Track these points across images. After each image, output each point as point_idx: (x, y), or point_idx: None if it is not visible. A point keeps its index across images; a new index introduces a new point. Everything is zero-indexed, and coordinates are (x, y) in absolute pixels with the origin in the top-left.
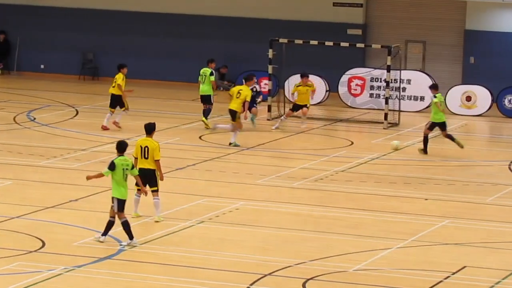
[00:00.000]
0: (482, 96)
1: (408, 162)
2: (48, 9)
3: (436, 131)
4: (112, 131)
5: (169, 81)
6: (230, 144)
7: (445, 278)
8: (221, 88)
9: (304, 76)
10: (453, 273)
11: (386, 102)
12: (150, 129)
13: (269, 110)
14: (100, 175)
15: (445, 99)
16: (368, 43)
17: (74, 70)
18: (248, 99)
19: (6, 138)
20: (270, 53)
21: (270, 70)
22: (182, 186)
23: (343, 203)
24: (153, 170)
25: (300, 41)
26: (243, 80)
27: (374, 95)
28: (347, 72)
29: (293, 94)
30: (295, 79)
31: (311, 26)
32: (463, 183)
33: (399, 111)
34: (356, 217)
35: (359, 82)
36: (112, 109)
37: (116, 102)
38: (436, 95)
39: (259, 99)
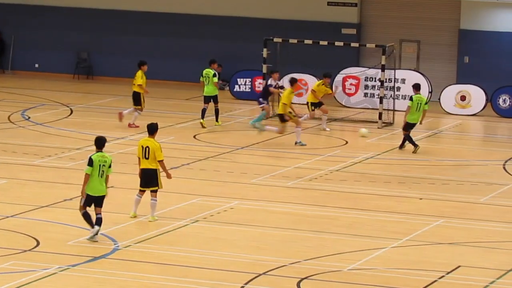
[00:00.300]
0: (476, 95)
1: (403, 161)
2: (42, 8)
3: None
4: (103, 130)
5: (163, 80)
6: (296, 143)
7: (440, 278)
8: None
9: (327, 76)
10: (448, 273)
11: (381, 102)
12: (152, 129)
13: (263, 109)
14: (86, 178)
15: (439, 99)
16: (362, 43)
17: (69, 69)
18: (285, 101)
19: (1, 137)
20: (265, 52)
21: (264, 70)
22: (176, 185)
23: (338, 203)
24: (155, 170)
25: (295, 41)
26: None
27: (369, 95)
28: (341, 72)
29: (315, 91)
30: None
31: (306, 25)
32: (458, 182)
33: (394, 110)
34: (350, 217)
35: (354, 81)
36: (135, 106)
37: (135, 99)
38: (413, 97)
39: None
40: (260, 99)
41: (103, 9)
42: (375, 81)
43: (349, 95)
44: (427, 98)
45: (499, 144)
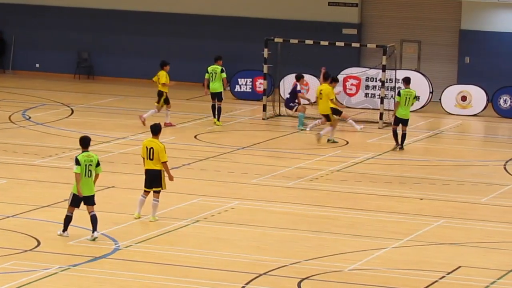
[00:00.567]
0: (477, 96)
1: (404, 162)
2: (43, 8)
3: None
4: (104, 130)
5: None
6: (328, 141)
7: (440, 278)
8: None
9: (336, 80)
10: (448, 273)
11: (382, 102)
12: (156, 130)
13: (264, 109)
14: (77, 177)
15: (440, 99)
16: (363, 43)
17: (69, 69)
18: (332, 96)
19: (1, 137)
20: (266, 52)
21: (265, 70)
22: (177, 186)
23: (338, 203)
24: (159, 171)
25: (296, 41)
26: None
27: (369, 95)
28: (342, 72)
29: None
30: (291, 78)
31: (307, 25)
32: (458, 183)
33: (394, 110)
34: (351, 217)
35: (354, 81)
36: (166, 105)
37: (159, 97)
38: (401, 91)
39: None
40: (291, 104)
41: (104, 9)
42: (376, 81)
43: (350, 95)
44: (427, 98)
45: (499, 144)
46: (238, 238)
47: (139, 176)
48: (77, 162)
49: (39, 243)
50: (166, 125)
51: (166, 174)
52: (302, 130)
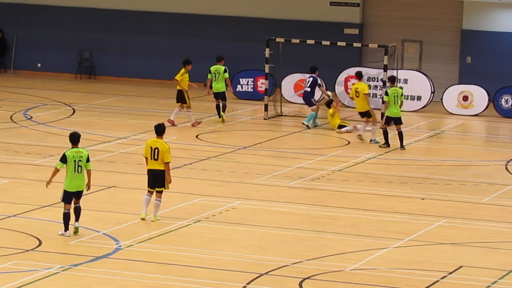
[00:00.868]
0: (478, 96)
1: (405, 161)
2: (45, 7)
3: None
4: (105, 130)
5: (165, 80)
6: (370, 141)
7: (442, 278)
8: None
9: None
10: (450, 273)
11: (383, 102)
12: (161, 130)
13: (266, 109)
14: (55, 171)
15: (441, 99)
16: (365, 43)
17: (71, 69)
18: (366, 91)
19: (3, 137)
20: (267, 52)
21: (267, 69)
22: (178, 185)
23: (340, 203)
24: (162, 171)
25: (297, 41)
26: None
27: (371, 95)
28: (343, 72)
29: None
30: (292, 78)
31: (308, 25)
32: (460, 182)
33: (384, 110)
34: (352, 217)
35: (356, 81)
36: (180, 103)
37: (179, 97)
38: (389, 91)
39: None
40: (312, 99)
41: (106, 8)
42: (377, 81)
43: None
44: (429, 98)
45: (501, 144)
46: (239, 238)
47: (141, 176)
48: (63, 159)
49: (40, 243)
50: (169, 121)
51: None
52: (308, 127)
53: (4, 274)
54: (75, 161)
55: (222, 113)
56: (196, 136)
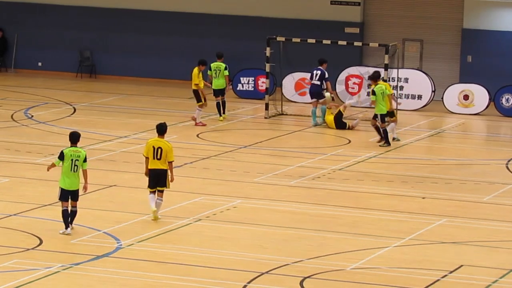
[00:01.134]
0: (479, 94)
1: (406, 160)
2: (45, 6)
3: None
4: (106, 128)
5: (166, 78)
6: (393, 139)
7: (442, 277)
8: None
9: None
10: (450, 272)
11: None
12: (162, 129)
13: (267, 108)
14: (53, 165)
15: (442, 98)
16: (365, 42)
17: (72, 68)
18: (390, 91)
19: (4, 136)
20: (268, 51)
21: (267, 68)
22: (179, 184)
23: (341, 202)
24: (165, 171)
25: (298, 39)
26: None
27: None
28: (344, 70)
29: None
30: (292, 77)
31: (309, 24)
32: (460, 181)
33: (397, 109)
34: (353, 216)
35: (357, 80)
36: (198, 103)
37: (195, 96)
38: (375, 89)
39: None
40: (323, 92)
41: (106, 7)
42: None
43: (352, 94)
44: (430, 97)
45: (502, 143)
46: (240, 237)
47: (141, 175)
48: (60, 156)
49: (41, 242)
50: (197, 125)
51: (168, 173)
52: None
53: (5, 273)
54: (72, 159)
55: (220, 118)
56: (197, 135)
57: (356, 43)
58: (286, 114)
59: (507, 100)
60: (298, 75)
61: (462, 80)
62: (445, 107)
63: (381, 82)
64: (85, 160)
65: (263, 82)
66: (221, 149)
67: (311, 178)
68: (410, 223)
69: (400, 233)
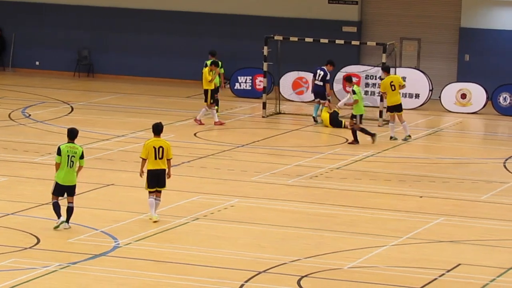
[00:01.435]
0: (477, 93)
1: (403, 159)
2: (43, 6)
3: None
4: (103, 128)
5: (163, 78)
6: (391, 138)
7: (440, 276)
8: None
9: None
10: (448, 271)
11: (381, 100)
12: (159, 129)
13: (264, 107)
14: (56, 166)
15: (439, 97)
16: (363, 41)
17: (69, 67)
18: (402, 83)
19: (1, 135)
20: (265, 50)
21: (265, 67)
22: (177, 183)
23: (338, 201)
24: (165, 170)
25: (295, 38)
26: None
27: (369, 93)
28: (342, 70)
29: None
30: (291, 76)
31: (306, 23)
32: (458, 180)
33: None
34: (351, 215)
35: (354, 79)
36: (206, 103)
37: (205, 96)
38: (354, 89)
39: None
40: (326, 93)
41: (104, 6)
42: (375, 79)
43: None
44: (427, 96)
45: (499, 142)
46: (237, 236)
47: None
48: (58, 152)
49: (38, 241)
50: (216, 124)
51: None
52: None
53: (3, 272)
54: (68, 155)
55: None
56: (194, 134)
57: (353, 42)
58: (284, 113)
59: (505, 99)
60: (295, 74)
61: (460, 79)
62: (442, 106)
63: (392, 75)
64: (82, 157)
65: (260, 81)
66: (218, 148)
67: (309, 177)
68: (407, 222)
69: (397, 232)
